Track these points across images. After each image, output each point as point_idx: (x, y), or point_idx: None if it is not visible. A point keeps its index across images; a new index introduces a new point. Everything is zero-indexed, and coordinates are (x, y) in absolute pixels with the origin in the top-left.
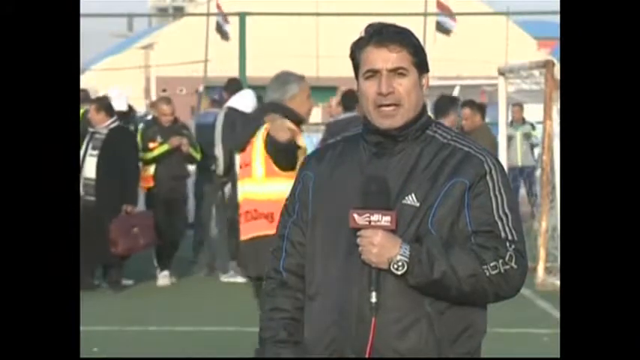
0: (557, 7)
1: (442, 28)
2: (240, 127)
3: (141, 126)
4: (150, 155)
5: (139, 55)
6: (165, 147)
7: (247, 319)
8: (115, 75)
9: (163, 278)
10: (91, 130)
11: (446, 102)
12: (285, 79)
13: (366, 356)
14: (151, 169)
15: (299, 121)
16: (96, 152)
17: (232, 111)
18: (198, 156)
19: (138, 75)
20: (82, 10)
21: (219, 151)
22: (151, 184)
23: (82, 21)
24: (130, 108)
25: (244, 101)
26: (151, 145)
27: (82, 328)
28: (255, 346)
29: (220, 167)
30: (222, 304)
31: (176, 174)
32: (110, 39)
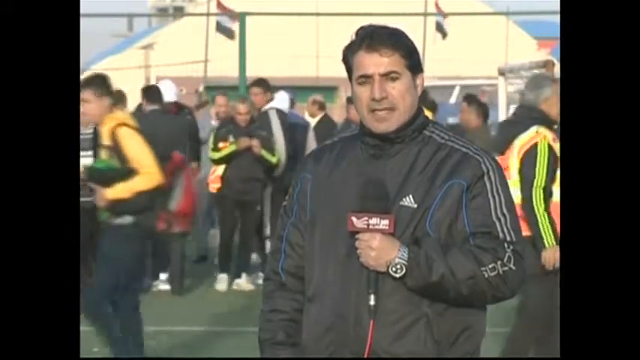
0: (557, 7)
1: (441, 29)
2: (499, 130)
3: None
4: (217, 155)
5: (139, 55)
6: (232, 147)
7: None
8: (115, 75)
9: (221, 282)
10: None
11: None
12: (539, 81)
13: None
14: (220, 169)
15: (551, 123)
16: (88, 153)
17: (281, 113)
18: (274, 159)
19: (138, 75)
20: (82, 10)
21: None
22: (219, 184)
23: (82, 21)
24: (180, 106)
25: (283, 103)
26: (221, 144)
27: (82, 328)
28: (256, 347)
29: (281, 169)
30: (222, 306)
31: (247, 176)
32: (110, 39)
